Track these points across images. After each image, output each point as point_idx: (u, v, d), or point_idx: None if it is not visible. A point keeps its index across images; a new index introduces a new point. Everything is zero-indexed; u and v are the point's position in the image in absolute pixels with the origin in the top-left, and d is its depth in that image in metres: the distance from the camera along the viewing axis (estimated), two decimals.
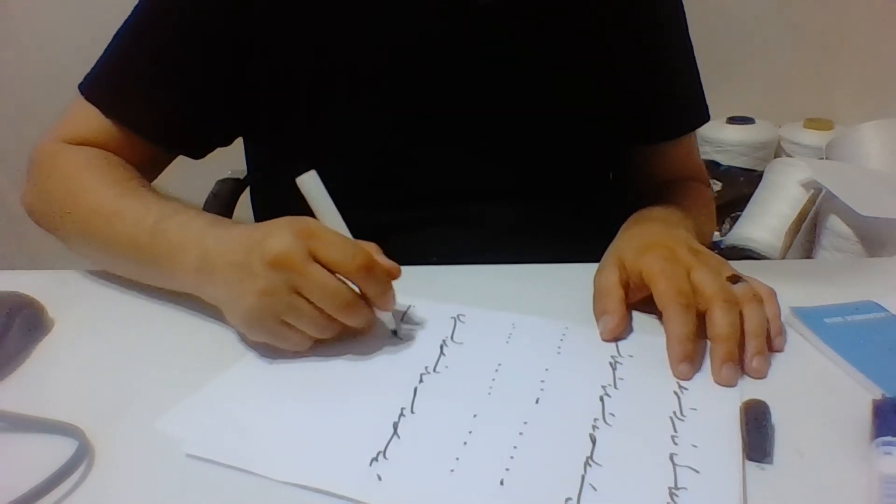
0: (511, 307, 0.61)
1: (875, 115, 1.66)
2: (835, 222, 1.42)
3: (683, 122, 0.84)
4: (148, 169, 0.72)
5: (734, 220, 1.70)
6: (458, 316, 0.60)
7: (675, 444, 0.45)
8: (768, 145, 1.91)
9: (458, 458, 0.44)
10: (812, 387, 0.52)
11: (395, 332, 0.56)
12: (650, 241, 0.61)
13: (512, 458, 0.44)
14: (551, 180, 0.76)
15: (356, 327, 0.54)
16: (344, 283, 0.51)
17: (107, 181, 0.64)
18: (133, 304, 0.61)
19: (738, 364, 0.52)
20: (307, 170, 0.53)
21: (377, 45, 0.69)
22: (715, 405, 0.49)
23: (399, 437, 0.46)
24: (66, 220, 0.65)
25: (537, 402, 0.49)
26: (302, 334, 0.52)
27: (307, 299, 0.50)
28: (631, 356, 0.55)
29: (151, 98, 0.69)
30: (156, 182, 0.73)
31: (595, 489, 0.42)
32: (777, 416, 0.47)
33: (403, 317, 0.59)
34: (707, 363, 0.53)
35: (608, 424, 0.47)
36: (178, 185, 0.76)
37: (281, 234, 0.51)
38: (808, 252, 1.52)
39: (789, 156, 1.85)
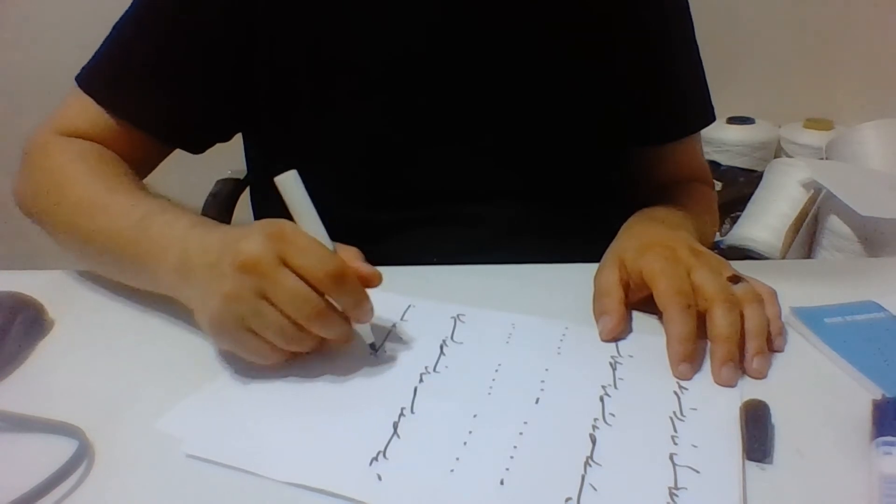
0: (511, 307, 0.61)
1: (875, 115, 1.66)
2: (835, 222, 1.42)
3: (688, 124, 0.84)
4: (143, 164, 0.71)
5: (734, 220, 1.70)
6: (458, 316, 0.60)
7: (675, 444, 0.45)
8: (768, 145, 1.91)
9: (458, 458, 0.44)
10: (812, 387, 0.52)
11: (372, 347, 0.54)
12: (651, 240, 0.61)
13: (512, 457, 0.44)
14: (553, 180, 0.75)
15: (331, 339, 0.51)
16: (316, 291, 0.48)
17: (96, 175, 0.64)
18: (133, 304, 0.61)
19: (738, 364, 0.52)
20: (287, 169, 0.50)
21: (379, 42, 0.69)
22: (715, 405, 0.49)
23: (399, 436, 0.46)
24: (53, 212, 0.64)
25: (537, 401, 0.49)
26: (268, 345, 0.49)
27: (275, 307, 0.48)
28: (631, 356, 0.55)
29: (150, 90, 0.69)
30: (156, 182, 0.73)
31: (595, 489, 0.42)
32: (777, 416, 0.47)
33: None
34: (707, 363, 0.53)
35: (608, 424, 0.47)
36: (178, 184, 0.75)
37: (254, 236, 0.48)
38: (808, 252, 1.52)
39: (789, 156, 1.85)
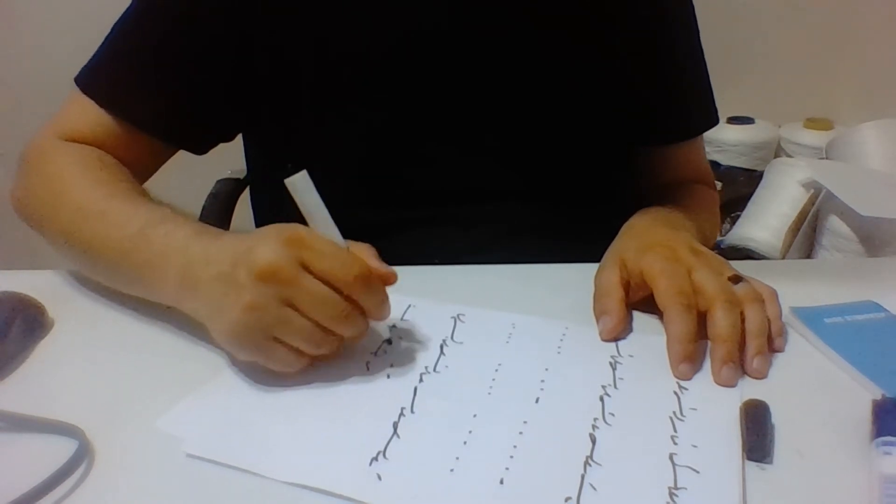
0: (511, 307, 0.61)
1: (875, 115, 1.66)
2: (835, 222, 1.42)
3: (691, 126, 0.84)
4: (145, 165, 0.71)
5: (734, 220, 1.70)
6: (458, 316, 0.60)
7: (675, 444, 0.45)
8: (768, 145, 1.91)
9: (457, 458, 0.44)
10: (812, 387, 0.52)
11: (388, 342, 0.55)
12: (651, 240, 0.61)
13: (512, 457, 0.44)
14: (553, 180, 0.75)
15: (350, 337, 0.51)
16: (338, 292, 0.48)
17: (96, 181, 0.62)
18: (133, 304, 0.61)
19: (738, 365, 0.52)
20: (297, 170, 0.49)
21: (381, 39, 0.69)
22: (715, 405, 0.49)
23: (399, 436, 0.46)
24: (52, 220, 0.63)
25: (537, 401, 0.49)
26: (293, 351, 0.49)
27: (301, 313, 0.47)
28: (631, 356, 0.55)
29: (151, 91, 0.68)
30: (156, 183, 0.72)
31: (595, 489, 0.42)
32: (777, 416, 0.47)
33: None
34: (707, 363, 0.53)
35: (608, 424, 0.47)
36: (178, 184, 0.75)
37: (269, 243, 0.48)
38: (808, 252, 1.53)
39: (789, 156, 1.85)
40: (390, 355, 0.55)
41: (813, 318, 0.58)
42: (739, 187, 1.77)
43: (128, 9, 0.69)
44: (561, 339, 0.57)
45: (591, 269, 0.62)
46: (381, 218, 0.73)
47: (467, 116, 0.71)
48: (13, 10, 1.71)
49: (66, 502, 0.41)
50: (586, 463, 0.43)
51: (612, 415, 0.48)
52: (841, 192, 1.36)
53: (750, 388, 0.51)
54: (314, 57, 0.69)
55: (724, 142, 1.87)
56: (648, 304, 0.58)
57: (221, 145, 0.76)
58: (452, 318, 0.59)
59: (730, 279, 0.56)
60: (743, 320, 0.54)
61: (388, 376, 0.52)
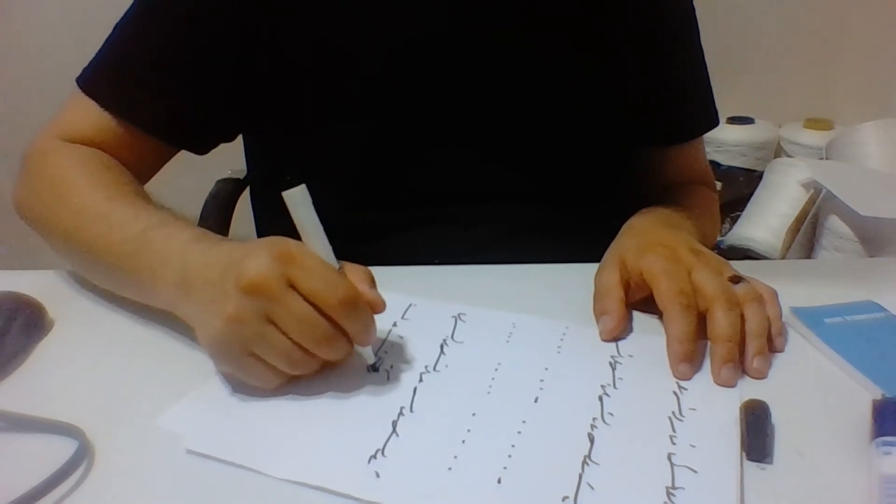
0: (511, 307, 0.61)
1: (875, 115, 1.66)
2: (835, 222, 1.42)
3: (692, 127, 0.84)
4: (146, 166, 0.71)
5: (734, 220, 1.70)
6: (458, 315, 0.60)
7: (674, 443, 0.45)
8: (768, 145, 1.91)
9: (456, 457, 0.44)
10: (812, 387, 0.52)
11: (373, 367, 0.52)
12: (651, 240, 0.61)
13: (510, 456, 0.44)
14: (554, 181, 0.75)
15: (332, 360, 0.50)
16: (322, 314, 0.47)
17: (97, 183, 0.62)
18: (133, 304, 0.61)
19: (738, 365, 0.52)
20: (296, 183, 0.47)
21: (383, 41, 0.69)
22: (714, 405, 0.49)
23: (398, 435, 0.46)
24: (53, 222, 0.62)
25: (536, 401, 0.49)
26: (271, 369, 0.48)
27: (280, 330, 0.46)
28: (631, 356, 0.55)
29: (153, 91, 0.68)
30: (156, 183, 0.72)
31: (592, 488, 0.42)
32: (777, 416, 0.47)
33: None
34: (707, 363, 0.53)
35: (607, 424, 0.47)
36: (178, 185, 0.75)
37: (259, 257, 0.46)
38: (808, 252, 1.53)
39: (789, 156, 1.85)
40: (390, 354, 0.55)
41: (813, 318, 0.58)
42: (739, 187, 1.77)
43: (129, 9, 0.69)
44: (561, 339, 0.57)
45: (591, 269, 0.62)
46: (382, 218, 0.73)
47: (468, 117, 0.71)
48: (13, 10, 1.71)
49: (66, 502, 0.41)
50: (584, 462, 0.43)
51: (611, 414, 0.48)
52: (841, 192, 1.36)
53: (750, 388, 0.51)
54: (315, 58, 0.69)
55: (724, 142, 1.87)
56: (648, 304, 0.58)
57: (222, 145, 0.76)
58: (453, 317, 0.59)
59: (730, 279, 0.56)
60: (743, 320, 0.54)
61: (388, 375, 0.52)
